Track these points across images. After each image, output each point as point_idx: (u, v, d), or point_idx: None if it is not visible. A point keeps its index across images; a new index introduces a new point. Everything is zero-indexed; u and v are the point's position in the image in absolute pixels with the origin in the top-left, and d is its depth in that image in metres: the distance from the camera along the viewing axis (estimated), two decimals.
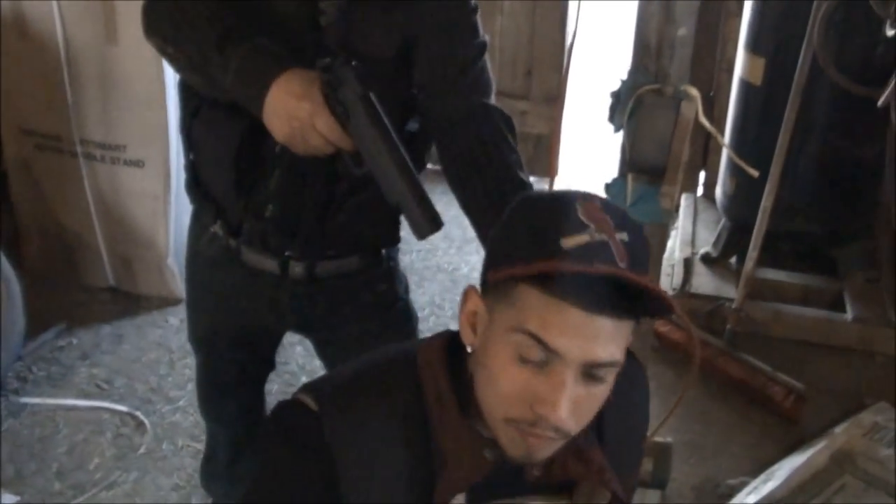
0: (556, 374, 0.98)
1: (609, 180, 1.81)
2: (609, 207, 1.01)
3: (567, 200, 1.00)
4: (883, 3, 2.42)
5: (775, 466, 2.41)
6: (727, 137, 3.14)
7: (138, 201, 3.08)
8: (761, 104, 2.94)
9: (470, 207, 1.44)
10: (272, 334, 1.87)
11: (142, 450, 2.54)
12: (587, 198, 1.01)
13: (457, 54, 1.50)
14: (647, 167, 1.68)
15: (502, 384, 1.02)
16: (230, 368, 1.89)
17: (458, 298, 3.33)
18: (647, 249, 1.02)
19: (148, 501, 2.38)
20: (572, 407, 0.99)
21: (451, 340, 1.13)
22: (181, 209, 3.13)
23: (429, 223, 1.29)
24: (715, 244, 3.27)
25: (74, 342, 2.99)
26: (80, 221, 3.16)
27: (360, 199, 1.58)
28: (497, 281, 1.02)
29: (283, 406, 1.13)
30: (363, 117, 1.29)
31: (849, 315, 2.97)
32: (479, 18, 1.54)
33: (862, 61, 2.67)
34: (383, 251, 1.73)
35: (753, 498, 2.29)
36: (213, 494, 2.15)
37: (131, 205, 3.10)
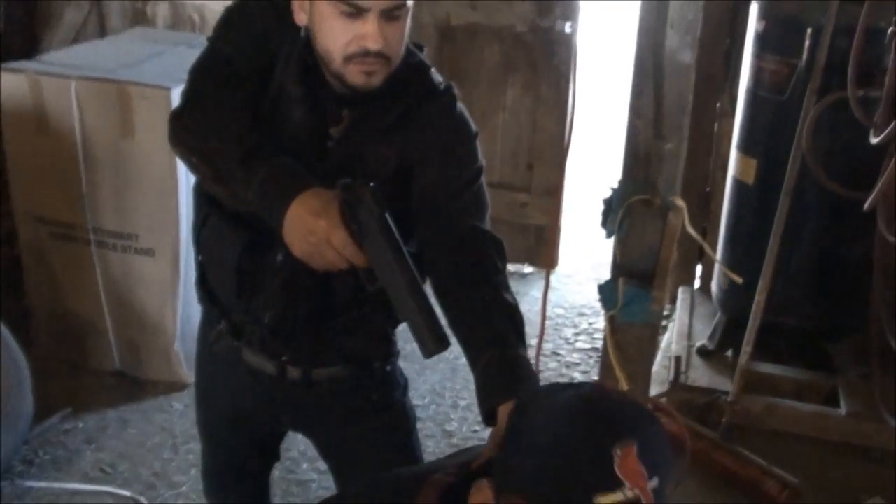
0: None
1: (602, 282, 1.89)
2: (646, 451, 0.99)
3: (604, 443, 0.98)
4: (866, 110, 2.52)
5: None
6: (722, 233, 3.23)
7: (148, 288, 3.16)
8: (754, 202, 3.03)
9: (457, 325, 1.48)
10: (272, 430, 1.93)
11: None
12: (627, 439, 0.98)
13: (453, 179, 1.57)
14: (636, 272, 1.76)
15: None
16: (234, 458, 1.95)
17: (458, 387, 3.38)
18: (670, 471, 1.02)
19: None
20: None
21: (447, 488, 1.18)
22: (189, 297, 3.20)
23: (436, 343, 1.32)
24: (711, 337, 3.33)
25: (80, 426, 3.03)
26: (90, 307, 3.23)
27: (354, 316, 1.65)
28: None
29: None
30: (378, 236, 1.35)
31: (843, 410, 3.01)
32: (478, 144, 1.62)
33: (850, 164, 2.77)
34: (375, 364, 1.78)
35: None
36: None
37: (141, 292, 3.17)
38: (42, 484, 2.74)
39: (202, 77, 1.56)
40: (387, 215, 1.36)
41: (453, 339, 1.41)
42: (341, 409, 1.76)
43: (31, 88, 3.01)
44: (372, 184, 1.37)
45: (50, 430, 2.97)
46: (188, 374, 3.27)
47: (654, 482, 0.98)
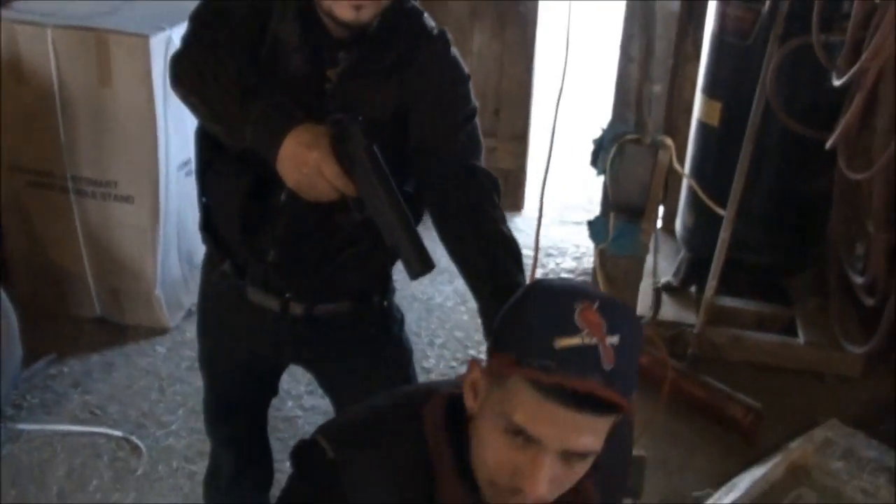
0: (536, 457, 1.10)
1: (591, 218, 1.99)
2: (607, 307, 1.10)
3: (568, 297, 1.10)
4: (828, 54, 2.65)
5: (736, 479, 2.60)
6: (685, 175, 3.36)
7: (127, 235, 3.20)
8: (718, 144, 3.16)
9: (459, 259, 1.57)
10: (274, 365, 2.02)
11: (139, 472, 2.65)
12: (588, 297, 1.10)
13: (448, 120, 1.65)
14: (627, 207, 1.87)
15: (489, 452, 1.15)
16: (235, 393, 2.04)
17: (433, 326, 3.50)
18: (636, 346, 1.12)
19: None
20: (549, 484, 1.11)
21: (451, 401, 1.26)
22: (169, 242, 3.26)
23: (421, 264, 1.42)
24: (675, 274, 3.48)
25: (65, 370, 3.08)
26: (69, 254, 3.26)
27: (354, 251, 1.73)
28: (497, 368, 1.15)
29: (303, 447, 1.27)
30: (366, 166, 1.44)
31: (801, 339, 3.18)
32: (471, 86, 1.71)
33: (811, 106, 2.90)
34: (374, 298, 1.88)
35: None
36: None
37: (120, 238, 3.21)
38: (34, 426, 2.80)
39: (201, 23, 1.63)
40: (374, 147, 1.45)
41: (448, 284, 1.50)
42: (342, 342, 1.85)
43: (6, 37, 3.00)
44: (360, 118, 1.46)
45: (36, 375, 3.02)
46: (169, 318, 3.33)
47: (614, 338, 1.08)
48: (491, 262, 1.52)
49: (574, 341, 1.08)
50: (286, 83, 1.59)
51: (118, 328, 3.33)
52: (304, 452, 1.27)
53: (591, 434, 1.10)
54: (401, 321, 1.95)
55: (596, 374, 1.06)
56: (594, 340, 1.07)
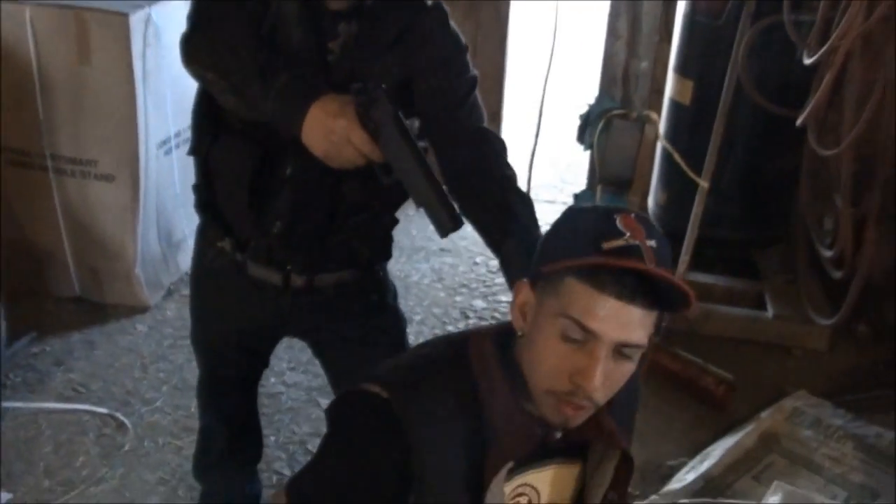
0: (593, 351, 1.18)
1: (578, 192, 2.05)
2: (641, 219, 1.22)
3: (608, 212, 1.21)
4: (799, 33, 2.72)
5: (710, 448, 2.68)
6: (658, 153, 3.43)
7: (107, 214, 3.21)
8: (690, 121, 3.23)
9: (477, 216, 1.63)
10: (271, 338, 2.06)
11: (125, 448, 2.67)
12: (624, 211, 1.22)
13: (454, 87, 1.71)
14: (614, 179, 1.92)
15: (547, 358, 1.22)
16: (231, 369, 2.08)
17: (411, 303, 3.55)
18: (669, 254, 1.22)
19: (136, 495, 2.52)
20: (603, 378, 1.19)
21: (497, 331, 1.34)
22: (148, 221, 3.28)
23: (452, 221, 1.49)
24: None
25: (47, 349, 3.09)
26: (48, 233, 3.27)
27: (358, 219, 1.78)
28: (549, 273, 1.22)
29: (351, 394, 1.31)
30: (392, 131, 1.50)
31: (770, 313, 3.27)
32: (468, 56, 1.75)
33: (781, 84, 2.98)
34: (375, 265, 1.93)
35: (692, 476, 2.55)
36: (204, 483, 2.32)
37: (100, 217, 3.22)
38: (19, 404, 2.82)
39: (207, 1, 1.65)
40: (399, 112, 1.50)
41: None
42: (341, 312, 1.90)
43: None
44: (383, 85, 1.51)
45: (18, 354, 3.03)
46: (149, 297, 3.35)
47: (652, 241, 1.18)
48: (509, 218, 1.58)
49: (619, 242, 1.17)
50: (290, 57, 1.62)
51: (98, 307, 3.34)
52: (354, 401, 1.31)
53: (641, 327, 1.19)
54: (395, 291, 2.00)
55: (643, 264, 1.16)
56: (637, 242, 1.17)
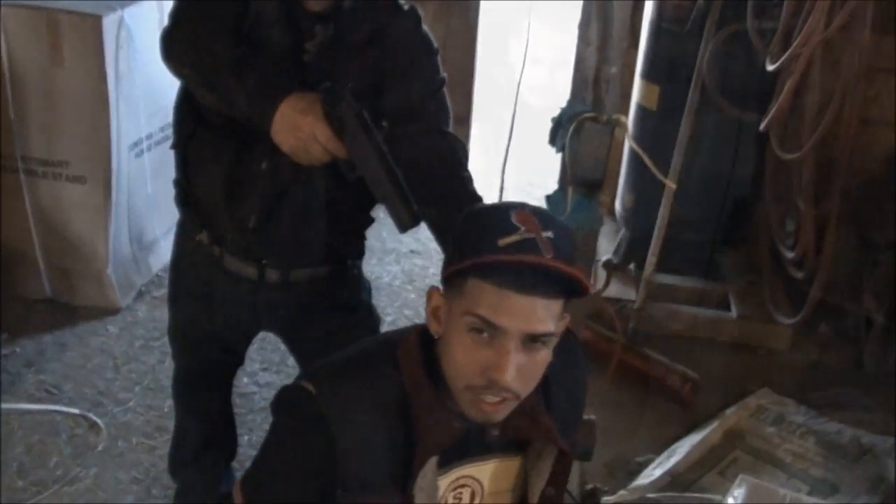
0: (502, 345, 1.23)
1: (550, 193, 2.10)
2: (536, 212, 1.27)
3: (502, 209, 1.27)
4: (762, 40, 2.80)
5: (676, 444, 2.73)
6: (625, 157, 3.49)
7: (79, 215, 3.22)
8: (656, 127, 3.29)
9: (432, 218, 1.66)
10: (247, 333, 2.09)
11: (99, 448, 2.68)
12: (519, 206, 1.27)
13: (420, 89, 1.76)
14: (585, 181, 1.98)
15: (460, 356, 1.27)
16: (206, 362, 2.10)
17: (382, 304, 3.58)
18: (569, 242, 1.27)
19: (109, 495, 2.53)
20: (517, 371, 1.24)
21: (423, 333, 1.38)
22: (120, 222, 3.28)
23: (410, 218, 1.55)
24: (616, 252, 3.60)
25: (17, 351, 3.09)
26: (19, 235, 3.26)
27: (332, 216, 1.82)
28: (451, 275, 1.28)
29: (285, 390, 1.38)
30: (357, 129, 1.55)
31: (734, 313, 3.34)
32: (439, 59, 1.80)
33: (745, 90, 3.05)
34: (349, 261, 1.97)
35: (659, 471, 2.61)
36: (179, 481, 2.34)
37: (71, 219, 3.22)
38: None
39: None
40: (363, 111, 1.55)
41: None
42: (315, 308, 1.94)
43: None
44: (350, 85, 1.56)
45: None
46: (121, 298, 3.35)
47: (548, 233, 1.23)
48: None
49: (515, 237, 1.22)
50: (266, 55, 1.66)
51: (69, 308, 3.34)
52: (286, 396, 1.38)
53: (547, 317, 1.24)
54: (369, 289, 2.04)
55: (539, 256, 1.21)
56: (532, 234, 1.22)
